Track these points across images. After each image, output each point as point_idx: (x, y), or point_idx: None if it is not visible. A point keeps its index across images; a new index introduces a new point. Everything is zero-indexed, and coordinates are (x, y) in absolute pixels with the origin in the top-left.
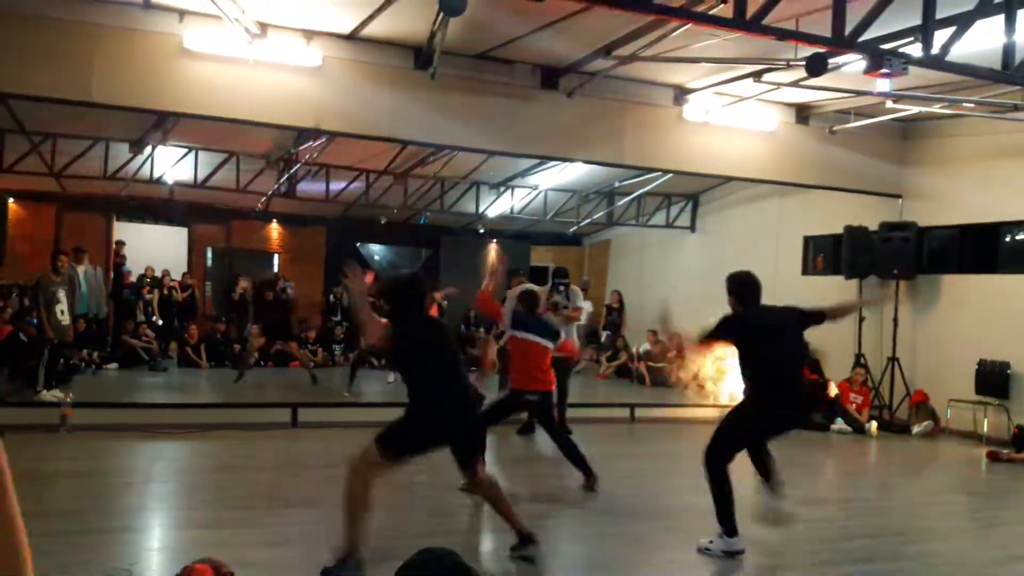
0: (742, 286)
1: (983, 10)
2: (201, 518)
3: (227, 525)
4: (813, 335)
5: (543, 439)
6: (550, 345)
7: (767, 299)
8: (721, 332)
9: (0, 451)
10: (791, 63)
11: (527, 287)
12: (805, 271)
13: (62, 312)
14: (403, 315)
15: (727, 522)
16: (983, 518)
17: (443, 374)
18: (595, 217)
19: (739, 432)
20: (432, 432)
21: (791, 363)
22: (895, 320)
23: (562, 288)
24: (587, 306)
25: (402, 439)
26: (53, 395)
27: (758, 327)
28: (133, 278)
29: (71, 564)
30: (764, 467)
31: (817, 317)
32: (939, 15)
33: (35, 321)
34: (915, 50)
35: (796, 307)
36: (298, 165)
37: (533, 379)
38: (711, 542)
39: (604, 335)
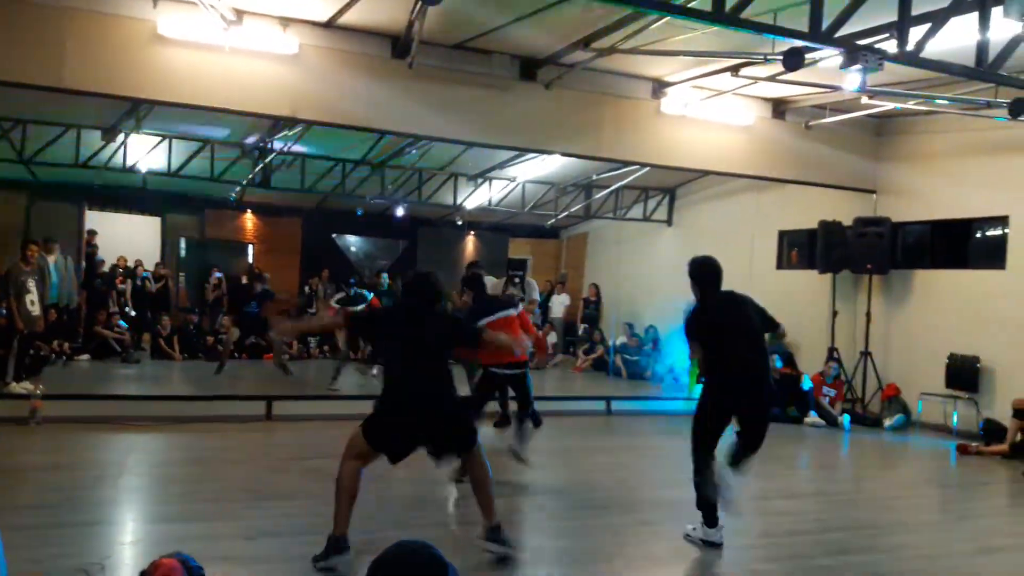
0: (702, 271)
1: (958, 7)
2: (175, 512)
3: (202, 518)
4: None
5: (491, 431)
6: (514, 312)
7: (742, 291)
8: (690, 339)
9: None
10: (768, 57)
11: (466, 277)
12: (780, 265)
13: (32, 302)
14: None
15: (707, 513)
16: (954, 511)
17: (411, 373)
18: (573, 210)
19: (705, 431)
20: (391, 429)
21: (753, 357)
22: (868, 314)
23: (517, 280)
24: (563, 299)
25: (373, 431)
26: (23, 387)
27: (715, 323)
28: (106, 268)
29: (43, 559)
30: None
31: (772, 325)
32: (915, 12)
33: (4, 312)
34: (891, 46)
35: (755, 302)
36: (273, 154)
37: (507, 354)
38: (694, 528)
39: (581, 328)
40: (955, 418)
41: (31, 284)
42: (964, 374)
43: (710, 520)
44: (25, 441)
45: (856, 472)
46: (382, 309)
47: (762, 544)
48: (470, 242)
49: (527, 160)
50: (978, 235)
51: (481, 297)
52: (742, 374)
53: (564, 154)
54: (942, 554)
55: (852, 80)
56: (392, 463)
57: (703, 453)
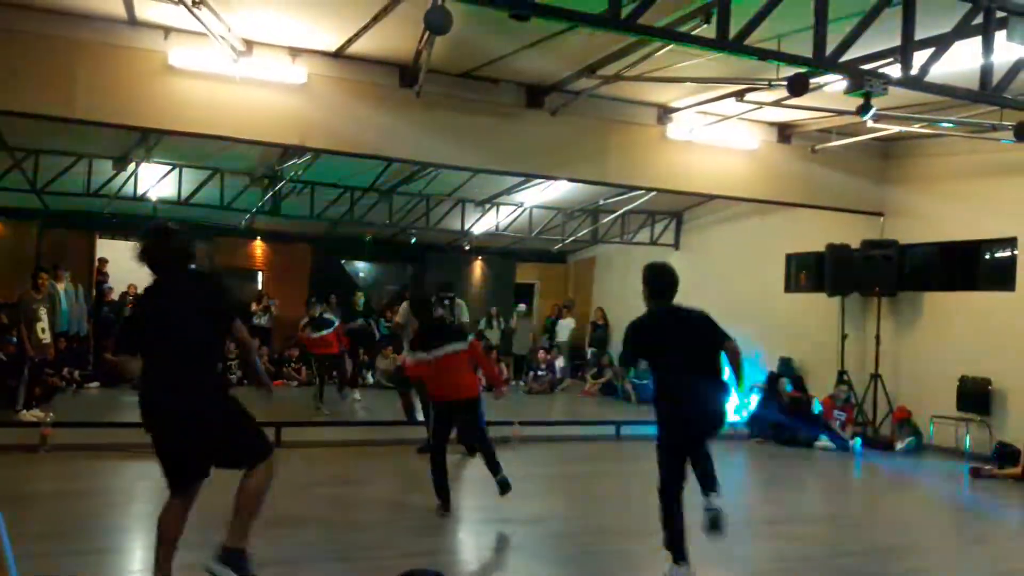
0: (653, 277)
1: (961, 32)
2: (185, 539)
3: (211, 546)
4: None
5: (499, 457)
6: (462, 347)
7: (752, 316)
8: (628, 348)
9: None
10: (773, 83)
11: (412, 299)
12: (788, 288)
13: (43, 330)
14: None
15: (672, 549)
16: (968, 534)
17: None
18: (580, 235)
19: (665, 456)
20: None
21: (693, 372)
22: (877, 337)
23: (447, 302)
24: (569, 323)
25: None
26: (33, 415)
27: (657, 336)
28: (115, 295)
29: None
30: (703, 473)
31: (727, 346)
32: (918, 36)
33: (15, 339)
34: (895, 71)
35: (711, 320)
36: (283, 182)
37: (465, 387)
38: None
39: (589, 352)
40: (967, 441)
41: (41, 312)
42: (976, 396)
43: (676, 557)
44: (35, 469)
45: (868, 496)
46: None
47: (774, 569)
48: (478, 267)
49: (534, 185)
50: (987, 257)
51: (428, 325)
52: (685, 391)
53: (571, 180)
54: None
55: (865, 109)
56: (178, 488)
57: (670, 481)
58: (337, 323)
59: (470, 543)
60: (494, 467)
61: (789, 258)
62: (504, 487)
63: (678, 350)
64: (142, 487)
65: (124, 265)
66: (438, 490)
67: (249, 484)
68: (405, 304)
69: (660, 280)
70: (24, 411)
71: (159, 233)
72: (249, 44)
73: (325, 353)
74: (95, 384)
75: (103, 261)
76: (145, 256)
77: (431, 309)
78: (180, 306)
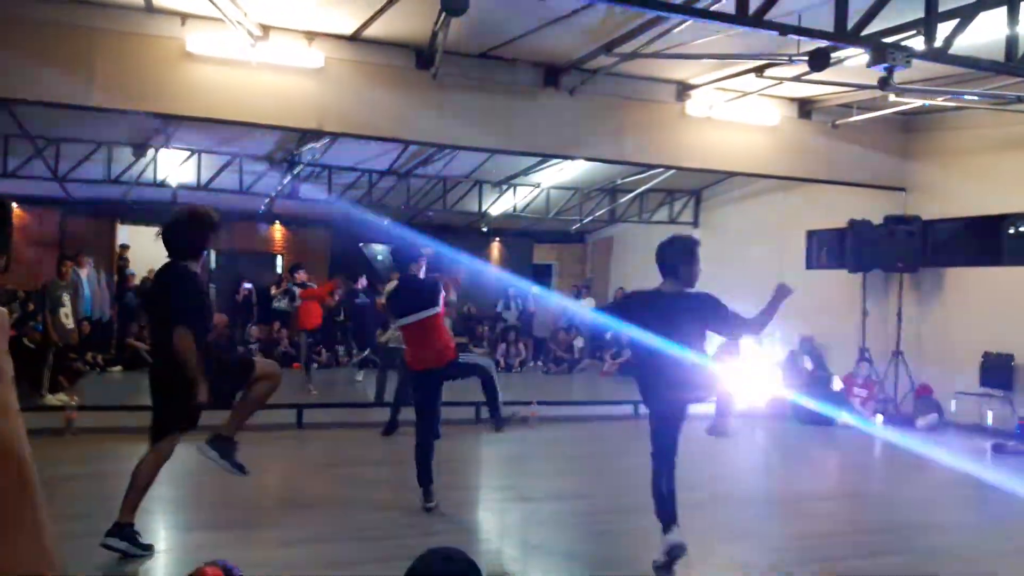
0: (660, 253)
1: (985, 2)
2: (208, 519)
3: (236, 526)
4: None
5: (517, 437)
6: (435, 311)
7: (770, 292)
8: (608, 308)
9: (28, 465)
10: (793, 58)
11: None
12: (809, 265)
13: (66, 316)
14: None
15: (664, 517)
16: (990, 511)
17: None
18: (597, 214)
19: (653, 433)
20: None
21: (674, 355)
22: (899, 314)
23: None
24: (588, 304)
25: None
26: (58, 399)
27: (648, 308)
28: (136, 281)
29: (79, 567)
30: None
31: (735, 330)
32: (942, 8)
33: (40, 326)
34: (918, 43)
35: (720, 302)
36: (300, 166)
37: (442, 351)
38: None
39: (609, 332)
40: (990, 417)
41: (65, 298)
42: (998, 372)
43: (667, 524)
44: (60, 452)
45: (890, 473)
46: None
47: (796, 547)
48: (496, 248)
49: (551, 166)
50: (1011, 231)
51: (407, 285)
52: (663, 370)
53: (589, 159)
54: (978, 555)
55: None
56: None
57: (661, 456)
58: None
59: (491, 522)
60: (493, 401)
61: (810, 235)
62: (498, 424)
63: (668, 329)
64: (165, 468)
65: (146, 251)
66: (422, 479)
67: (148, 459)
68: (392, 283)
69: (666, 254)
70: (49, 395)
71: (169, 221)
72: (265, 29)
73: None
74: (118, 368)
75: (124, 247)
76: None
77: (411, 273)
78: (158, 295)
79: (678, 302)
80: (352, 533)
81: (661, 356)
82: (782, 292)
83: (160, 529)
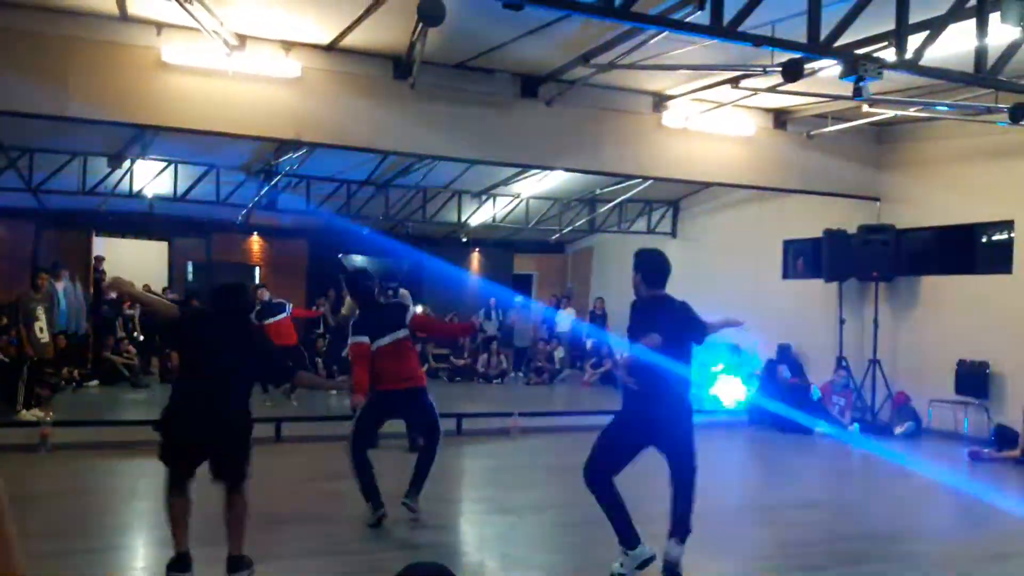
0: (650, 265)
1: (955, 14)
2: None
3: (214, 543)
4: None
5: (498, 448)
6: (404, 333)
7: (750, 302)
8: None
9: None
10: (768, 69)
11: (351, 277)
12: (786, 275)
13: (41, 329)
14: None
15: (625, 534)
16: (968, 517)
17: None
18: (577, 224)
19: (610, 441)
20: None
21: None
22: (875, 322)
23: (390, 291)
24: (569, 314)
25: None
26: (32, 414)
27: (645, 320)
28: (113, 293)
29: None
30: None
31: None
32: (912, 20)
33: (15, 340)
34: (889, 55)
35: (693, 312)
36: (278, 177)
37: (408, 375)
38: (621, 564)
39: (589, 342)
40: (966, 424)
41: (40, 311)
42: (974, 380)
43: (629, 541)
44: (35, 468)
45: (867, 481)
46: (190, 311)
47: (774, 555)
48: (475, 259)
49: (530, 176)
50: (983, 240)
51: (369, 308)
52: (657, 382)
53: (567, 169)
54: (958, 561)
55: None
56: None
57: (600, 471)
58: (290, 309)
59: (471, 534)
60: (422, 472)
61: (786, 244)
62: (410, 509)
63: (680, 334)
64: (143, 484)
65: (122, 262)
66: (366, 492)
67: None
68: (349, 299)
69: (656, 268)
70: (24, 411)
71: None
72: (242, 39)
73: (282, 345)
74: (94, 382)
75: (100, 259)
76: None
77: (375, 298)
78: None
79: (679, 308)
80: (331, 548)
81: (670, 361)
82: (732, 322)
83: (139, 546)
